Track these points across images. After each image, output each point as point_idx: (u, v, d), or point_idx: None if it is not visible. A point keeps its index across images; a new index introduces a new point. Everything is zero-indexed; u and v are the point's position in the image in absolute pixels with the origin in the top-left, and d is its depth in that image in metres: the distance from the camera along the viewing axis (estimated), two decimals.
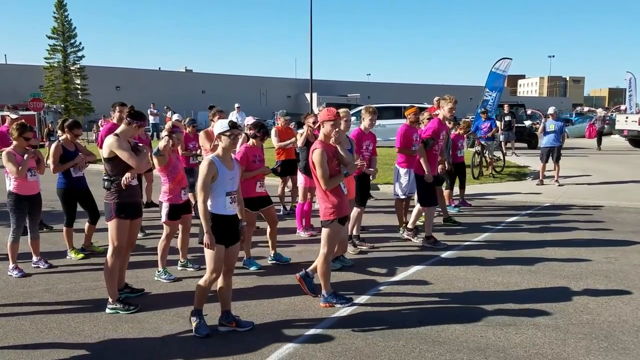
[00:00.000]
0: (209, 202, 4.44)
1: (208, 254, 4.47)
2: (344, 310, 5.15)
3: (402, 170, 8.05)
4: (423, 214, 7.84)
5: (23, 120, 6.81)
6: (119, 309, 5.14)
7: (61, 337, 4.64)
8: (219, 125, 4.55)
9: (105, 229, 5.21)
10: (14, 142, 6.35)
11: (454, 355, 4.23)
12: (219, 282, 4.66)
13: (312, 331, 4.70)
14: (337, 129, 5.21)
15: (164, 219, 6.13)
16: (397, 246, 7.63)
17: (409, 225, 7.98)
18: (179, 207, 6.19)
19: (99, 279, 5.80)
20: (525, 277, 6.14)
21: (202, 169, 4.41)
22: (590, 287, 5.80)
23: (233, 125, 4.51)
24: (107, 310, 5.15)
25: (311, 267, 5.54)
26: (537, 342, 4.44)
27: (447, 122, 8.24)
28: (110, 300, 5.17)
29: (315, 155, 5.07)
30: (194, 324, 4.64)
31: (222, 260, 4.51)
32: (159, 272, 6.17)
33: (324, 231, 5.19)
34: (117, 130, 5.20)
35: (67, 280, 6.22)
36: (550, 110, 13.41)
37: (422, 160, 7.50)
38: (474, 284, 5.95)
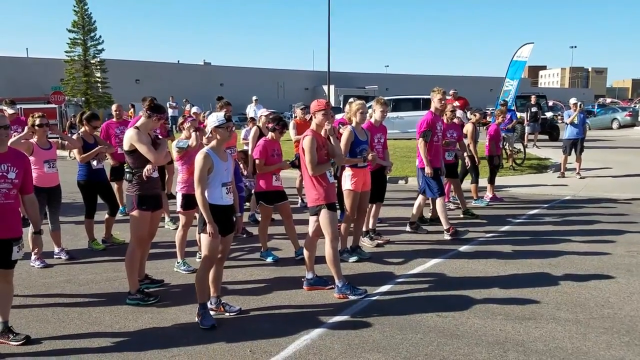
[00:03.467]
0: (205, 193, 4.55)
1: (206, 242, 4.59)
2: (362, 303, 5.15)
3: None
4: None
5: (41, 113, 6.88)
6: (139, 300, 5.21)
7: (82, 327, 4.72)
8: (214, 119, 4.66)
9: (125, 221, 5.27)
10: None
11: (472, 348, 4.20)
12: (212, 270, 4.79)
13: (329, 323, 4.71)
14: (329, 120, 5.29)
15: (179, 208, 6.20)
16: (414, 239, 7.60)
17: (412, 219, 8.00)
18: (194, 197, 6.23)
19: (120, 270, 5.89)
20: (545, 271, 6.07)
21: (198, 162, 4.52)
22: (611, 281, 5.71)
23: (228, 119, 4.69)
24: (128, 301, 5.22)
25: (308, 269, 5.57)
26: (557, 336, 4.39)
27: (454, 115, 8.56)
28: (130, 290, 5.24)
29: (306, 141, 5.20)
30: (198, 318, 4.69)
31: (218, 249, 4.65)
32: (178, 263, 6.24)
33: (322, 219, 5.23)
34: (137, 123, 5.25)
35: (88, 271, 6.32)
36: (572, 101, 13.19)
37: (421, 155, 7.52)
38: (493, 278, 5.90)
